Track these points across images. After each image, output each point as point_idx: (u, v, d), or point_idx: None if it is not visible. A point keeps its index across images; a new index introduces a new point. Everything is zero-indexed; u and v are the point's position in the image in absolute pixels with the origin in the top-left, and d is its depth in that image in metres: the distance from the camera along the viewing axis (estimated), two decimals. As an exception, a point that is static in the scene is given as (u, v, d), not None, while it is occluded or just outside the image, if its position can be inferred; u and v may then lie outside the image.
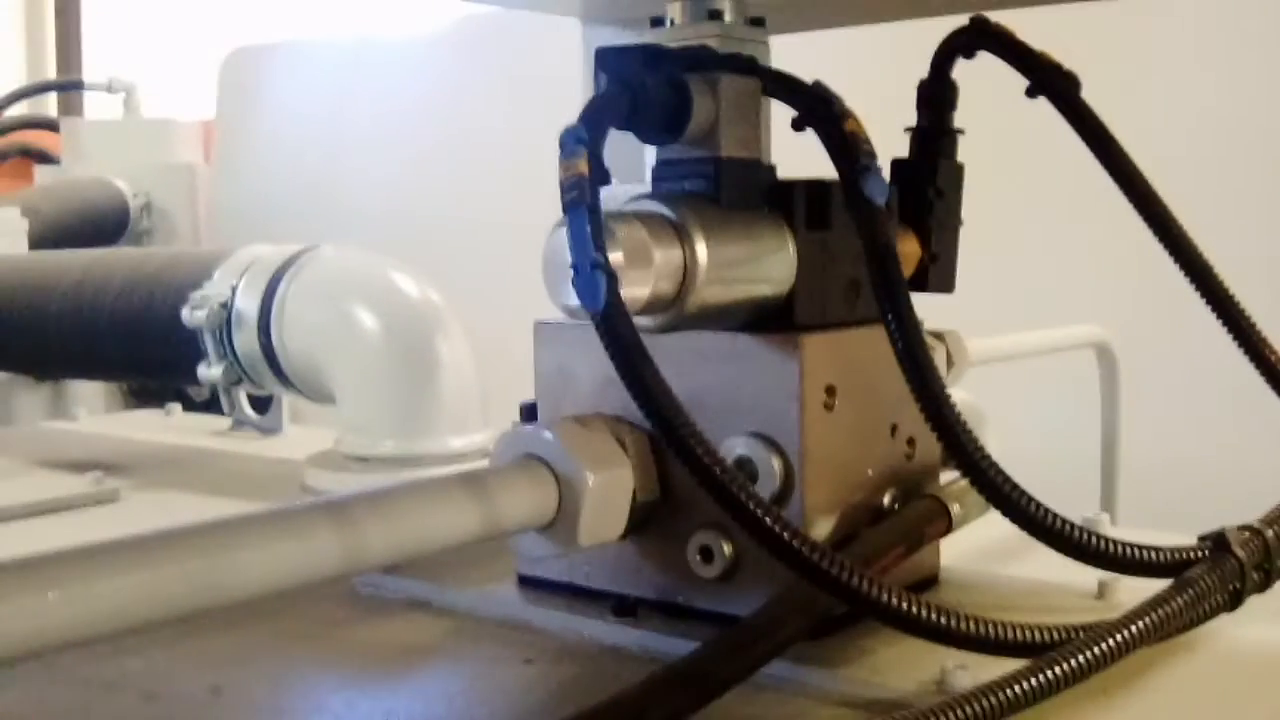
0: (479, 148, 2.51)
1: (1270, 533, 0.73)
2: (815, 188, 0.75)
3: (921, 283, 0.85)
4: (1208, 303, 0.82)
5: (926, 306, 0.79)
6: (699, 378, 0.76)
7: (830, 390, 0.75)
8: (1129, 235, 0.86)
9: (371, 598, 0.87)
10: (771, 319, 0.74)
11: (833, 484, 0.76)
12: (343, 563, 0.61)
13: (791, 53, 0.91)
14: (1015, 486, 0.67)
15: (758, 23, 0.81)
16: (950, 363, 0.93)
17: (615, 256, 0.63)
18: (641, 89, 0.68)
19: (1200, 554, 0.72)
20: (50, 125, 3.37)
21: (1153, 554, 0.70)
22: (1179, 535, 0.78)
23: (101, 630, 0.52)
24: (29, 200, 2.55)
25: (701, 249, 0.69)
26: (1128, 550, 0.69)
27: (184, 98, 3.46)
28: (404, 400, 1.17)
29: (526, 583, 0.85)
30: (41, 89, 3.96)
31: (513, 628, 0.81)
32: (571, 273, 0.60)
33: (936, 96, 0.86)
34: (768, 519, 0.59)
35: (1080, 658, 0.60)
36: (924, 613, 0.62)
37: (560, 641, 0.78)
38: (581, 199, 0.60)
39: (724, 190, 0.72)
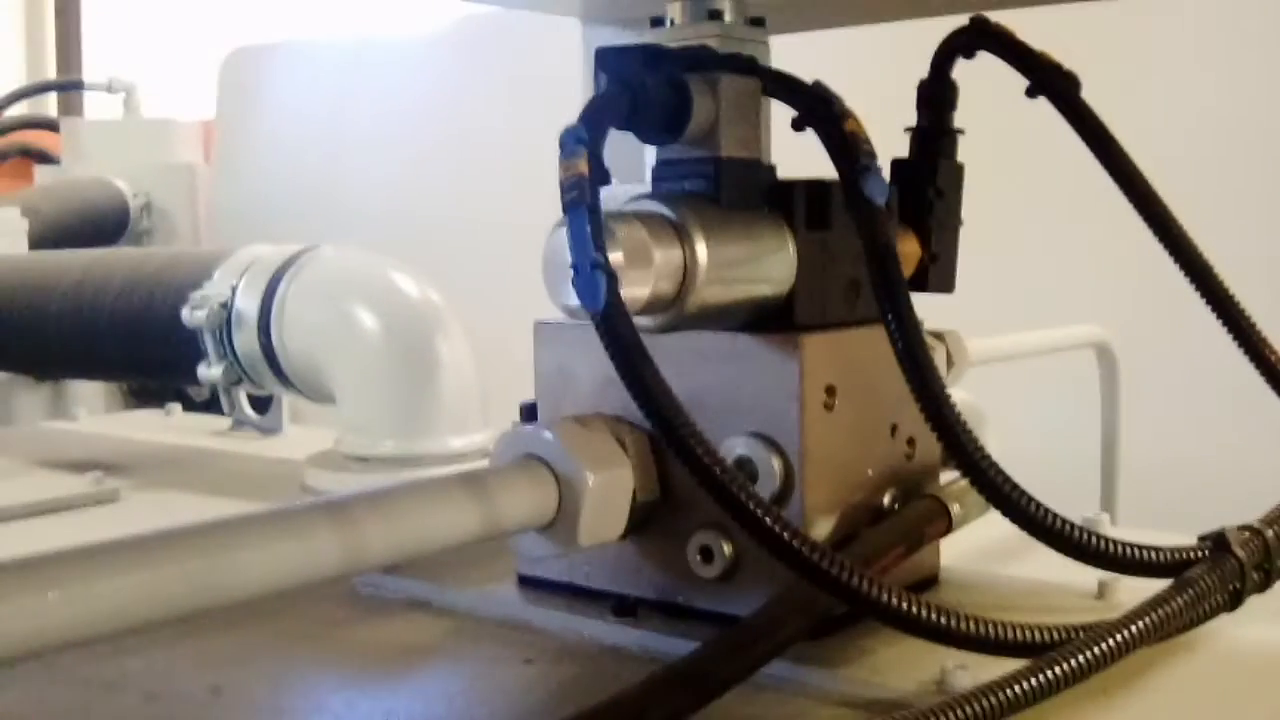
0: (479, 147, 2.51)
1: (1270, 533, 0.73)
2: (815, 188, 0.75)
3: (921, 283, 0.85)
4: (1208, 303, 0.82)
5: (926, 306, 0.79)
6: (699, 378, 0.76)
7: (830, 390, 0.75)
8: (1129, 235, 0.86)
9: (372, 597, 0.87)
10: (771, 319, 0.74)
11: (833, 484, 0.76)
12: (343, 563, 0.61)
13: (792, 53, 0.91)
14: (1015, 486, 0.67)
15: (758, 23, 0.81)
16: (950, 363, 0.93)
17: (615, 256, 0.63)
18: (641, 89, 0.68)
19: (1200, 554, 0.72)
20: (50, 125, 3.37)
21: (1153, 554, 0.70)
22: (1179, 535, 0.78)
23: (102, 630, 0.52)
24: (29, 200, 2.55)
25: (701, 249, 0.69)
26: (1128, 550, 0.69)
27: (184, 98, 3.46)
28: (404, 400, 1.17)
29: (526, 583, 0.85)
30: (41, 89, 3.96)
31: (513, 628, 0.81)
32: (571, 273, 0.60)
33: (936, 96, 0.86)
34: (768, 519, 0.59)
35: (1080, 658, 0.60)
36: (924, 613, 0.62)
37: (560, 641, 0.78)
38: (581, 199, 0.60)
39: (724, 190, 0.72)
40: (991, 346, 1.17)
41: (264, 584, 0.59)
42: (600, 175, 0.61)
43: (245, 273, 1.23)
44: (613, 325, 0.59)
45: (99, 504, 1.18)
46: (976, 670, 0.65)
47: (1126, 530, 0.90)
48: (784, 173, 0.77)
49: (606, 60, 0.70)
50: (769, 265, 0.73)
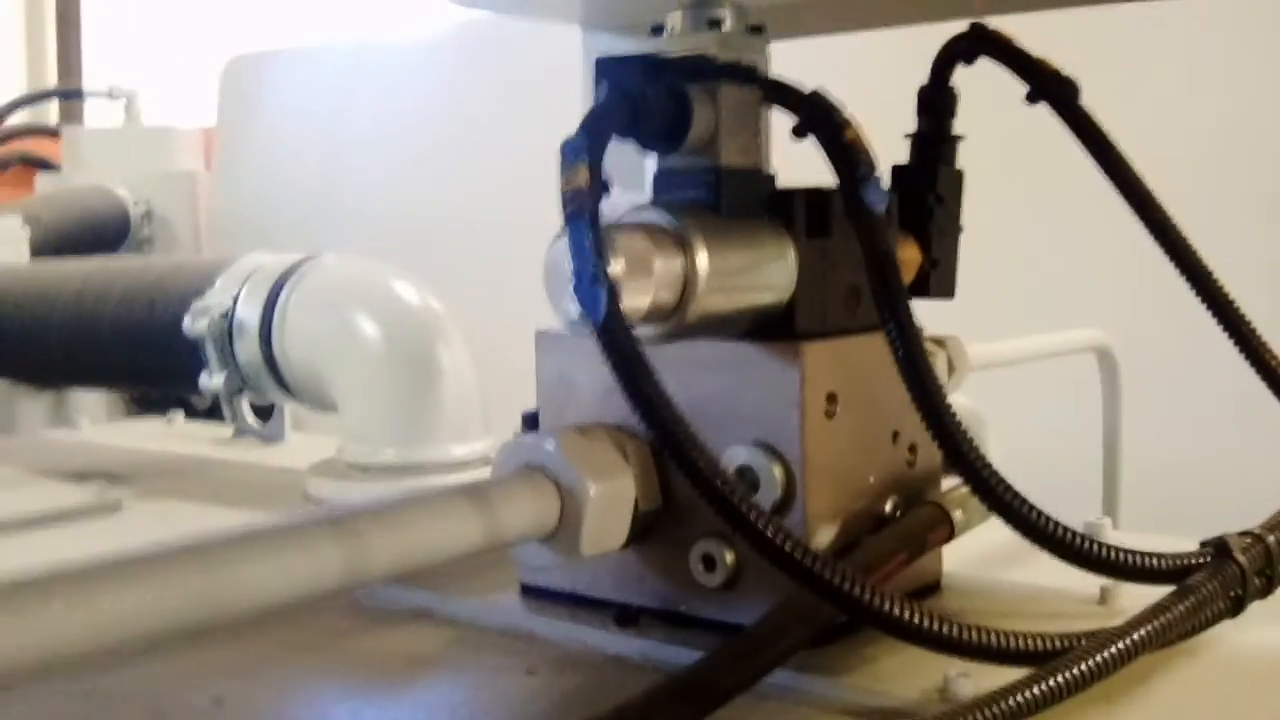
0: (479, 152, 2.51)
1: (1272, 539, 0.73)
2: (815, 196, 0.75)
3: (922, 289, 0.85)
4: (1208, 308, 0.82)
5: (927, 310, 0.79)
6: (700, 386, 0.76)
7: (831, 398, 0.75)
8: (1129, 239, 0.86)
9: (374, 608, 0.87)
10: (772, 327, 0.74)
11: (834, 492, 0.76)
12: (346, 577, 0.61)
13: (792, 57, 0.91)
14: (1016, 494, 0.67)
15: (757, 30, 0.81)
16: (951, 368, 0.93)
17: (616, 267, 0.63)
18: (642, 99, 0.68)
19: (1202, 560, 0.72)
20: (51, 133, 3.37)
21: (1154, 561, 0.71)
22: (1181, 539, 0.78)
23: (106, 646, 0.53)
24: (30, 208, 2.55)
25: (702, 258, 0.69)
26: (1129, 557, 0.69)
27: (184, 105, 3.46)
28: (405, 408, 1.17)
29: (529, 592, 0.85)
30: (42, 97, 3.96)
31: (515, 637, 0.81)
32: (572, 284, 0.60)
33: (936, 103, 0.86)
34: (769, 530, 0.59)
35: (1082, 666, 0.60)
36: (926, 622, 0.62)
37: (563, 651, 0.78)
38: (582, 211, 0.60)
39: (724, 199, 0.72)
40: (992, 351, 1.17)
41: (268, 598, 0.59)
42: (601, 187, 0.61)
43: (246, 282, 1.23)
44: (613, 337, 0.59)
45: (102, 514, 1.18)
46: (979, 678, 0.65)
47: (1129, 534, 0.90)
48: (785, 176, 0.77)
49: (606, 70, 0.71)
50: (769, 273, 0.73)
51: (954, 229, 0.86)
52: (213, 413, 1.43)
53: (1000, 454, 1.15)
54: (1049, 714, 0.60)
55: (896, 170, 0.85)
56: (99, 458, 1.47)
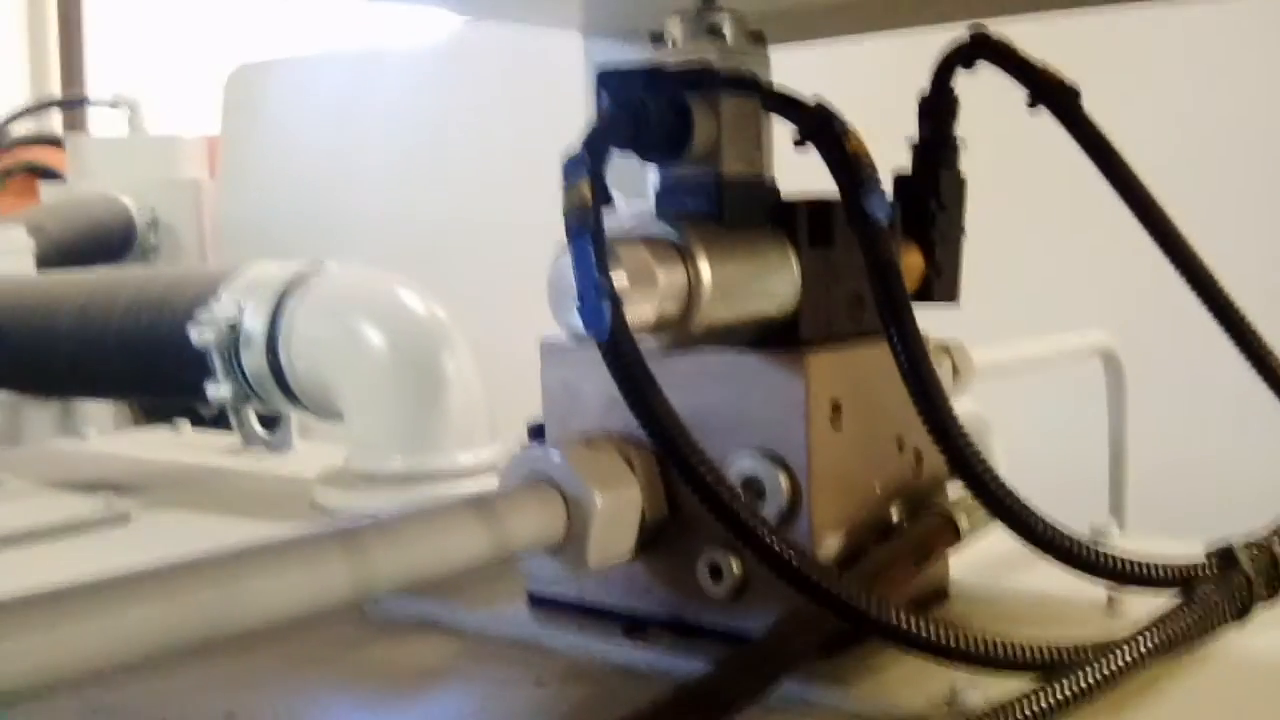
0: (483, 159, 2.51)
1: (1277, 544, 0.73)
2: (818, 205, 0.75)
3: (926, 295, 0.85)
4: (1211, 312, 0.82)
5: (931, 314, 0.79)
6: (705, 396, 0.76)
7: (836, 406, 0.75)
8: (1132, 242, 0.86)
9: (382, 618, 0.88)
10: (776, 336, 0.75)
11: (840, 500, 0.76)
12: (354, 590, 0.62)
13: (794, 63, 0.91)
14: (1021, 502, 0.67)
15: (758, 39, 0.81)
16: (956, 374, 0.93)
17: (619, 279, 0.63)
18: (643, 111, 0.68)
19: (1207, 568, 0.72)
20: (55, 142, 3.39)
21: (1159, 568, 0.71)
22: (1187, 543, 0.78)
23: (116, 663, 0.53)
24: (34, 219, 2.56)
25: (705, 269, 0.69)
26: (1134, 565, 0.69)
27: (189, 114, 3.47)
28: (411, 417, 1.18)
29: (536, 602, 0.85)
30: (46, 106, 3.97)
31: (523, 648, 0.81)
32: (576, 298, 0.60)
33: (937, 108, 0.86)
34: (774, 542, 0.59)
35: (1090, 676, 0.60)
36: (932, 632, 0.62)
37: (571, 661, 0.78)
38: (585, 225, 0.60)
39: (726, 209, 0.72)
40: (997, 356, 1.17)
41: (277, 612, 0.59)
42: (604, 201, 0.61)
43: (252, 292, 1.24)
44: (618, 352, 0.60)
45: (111, 525, 1.18)
46: (987, 688, 0.65)
47: (1135, 538, 0.91)
48: (787, 180, 0.77)
49: (607, 81, 0.71)
50: (773, 283, 0.73)
51: (957, 234, 0.86)
52: (219, 422, 1.44)
53: (1006, 458, 1.16)
54: (1056, 723, 0.60)
55: (898, 176, 0.85)
56: (106, 468, 1.47)
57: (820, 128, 0.72)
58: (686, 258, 0.69)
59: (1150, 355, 1.52)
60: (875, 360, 0.75)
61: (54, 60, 4.47)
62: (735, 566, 0.75)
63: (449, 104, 2.60)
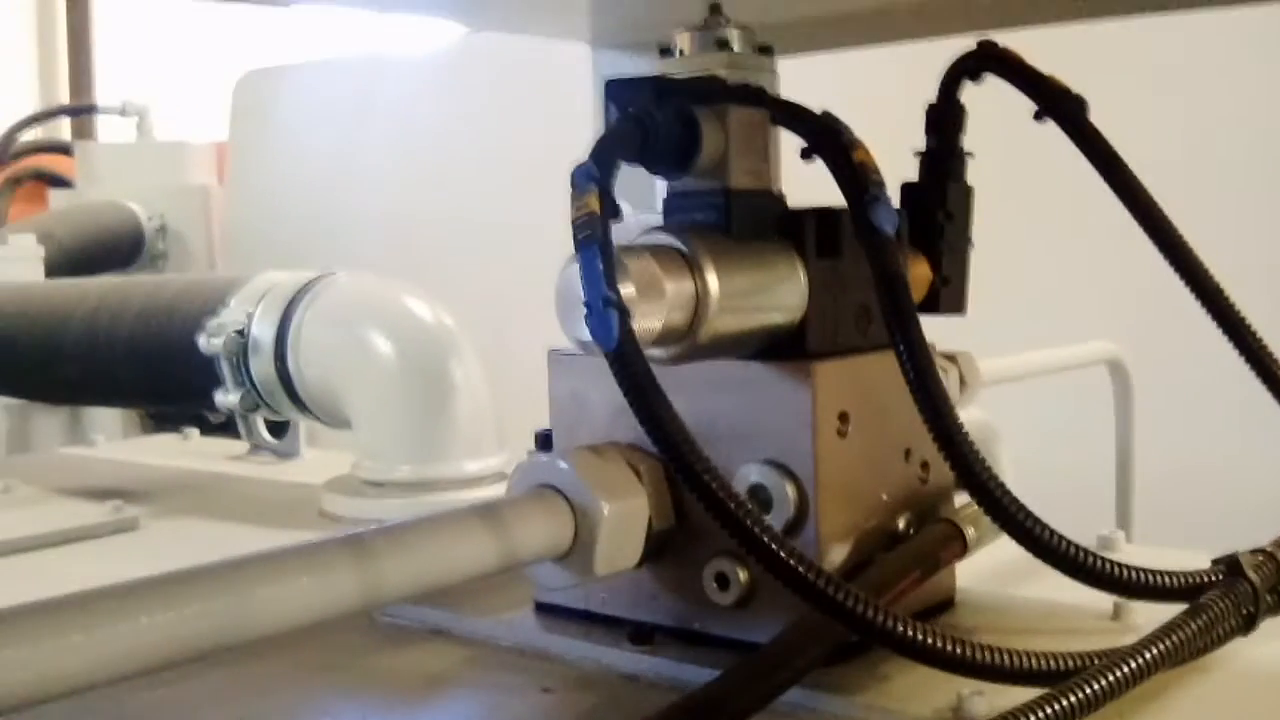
0: (490, 164, 2.52)
1: (1284, 554, 0.73)
2: (825, 216, 0.75)
3: (933, 305, 0.85)
4: (1217, 322, 0.82)
5: (938, 323, 0.79)
6: (712, 406, 0.76)
7: (843, 416, 0.75)
8: (1139, 252, 0.87)
9: (390, 626, 0.88)
10: (784, 347, 0.75)
11: (847, 510, 0.76)
12: (363, 598, 0.62)
13: (800, 71, 0.91)
14: (1028, 512, 0.67)
15: (766, 51, 0.82)
16: (963, 384, 0.93)
17: (627, 290, 0.64)
18: (651, 123, 0.68)
19: (1213, 578, 0.72)
20: (64, 149, 3.40)
21: (1166, 579, 0.71)
22: (1194, 553, 0.78)
23: (127, 671, 0.53)
24: (44, 226, 2.57)
25: (713, 280, 0.69)
26: (1141, 575, 0.70)
27: (197, 120, 3.48)
28: (419, 425, 1.18)
29: (544, 610, 0.85)
30: (55, 114, 3.99)
31: (530, 655, 0.81)
32: (584, 309, 0.61)
33: (945, 120, 0.86)
34: (781, 551, 0.60)
35: (1095, 685, 0.60)
36: (938, 643, 0.62)
37: (578, 669, 0.78)
38: (594, 237, 0.61)
39: (734, 221, 0.72)
40: (1004, 366, 1.17)
41: (287, 620, 0.60)
42: (612, 212, 0.62)
43: (261, 300, 1.24)
44: (626, 362, 0.60)
45: (119, 532, 1.19)
46: (993, 697, 0.65)
47: (1142, 548, 0.91)
48: (794, 187, 0.78)
49: (616, 93, 0.71)
50: (780, 294, 0.74)
51: (964, 245, 0.86)
52: (228, 428, 1.44)
53: (1013, 467, 1.16)
54: (1062, 732, 0.60)
55: (906, 187, 0.85)
56: (115, 475, 1.48)
57: (827, 139, 0.72)
58: (694, 269, 0.69)
59: (1156, 364, 1.52)
60: (882, 371, 0.75)
61: (63, 67, 4.49)
62: (742, 575, 0.75)
63: (456, 109, 2.60)
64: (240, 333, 1.23)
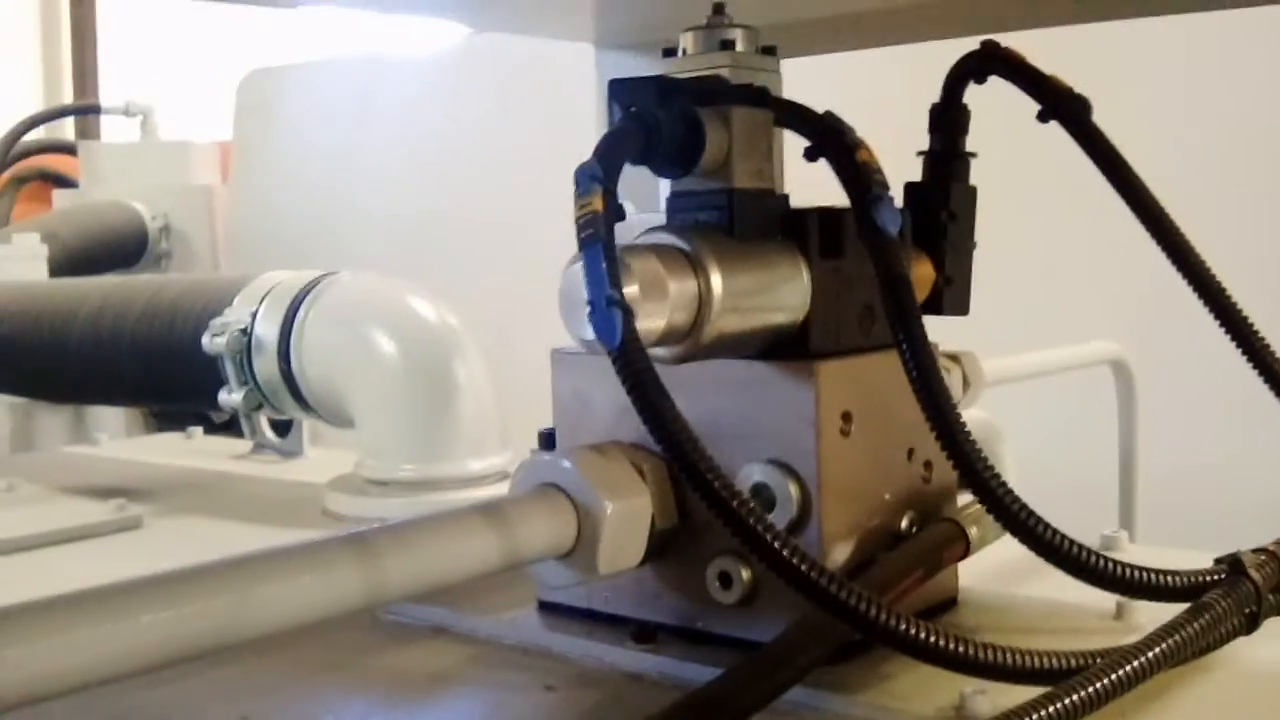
0: (494, 163, 2.52)
1: (1287, 554, 0.73)
2: (828, 216, 0.75)
3: (936, 306, 0.85)
4: (1220, 323, 0.82)
5: (942, 323, 0.79)
6: (715, 406, 0.76)
7: (846, 416, 0.76)
8: (1142, 251, 0.87)
9: (393, 624, 0.88)
10: (787, 346, 0.75)
11: (850, 509, 0.76)
12: (366, 597, 0.62)
13: (804, 72, 0.91)
14: (1030, 512, 0.67)
15: (770, 52, 0.82)
16: (966, 384, 0.93)
17: (631, 290, 0.64)
18: (655, 124, 0.69)
19: (1216, 577, 0.72)
20: (68, 149, 3.40)
21: (1168, 578, 0.71)
22: (1197, 553, 0.78)
23: (131, 669, 0.53)
24: (48, 225, 2.58)
25: (716, 280, 0.69)
26: (1143, 575, 0.70)
27: (201, 120, 3.48)
28: (423, 424, 1.18)
29: (546, 609, 0.86)
30: (59, 114, 3.99)
31: (533, 654, 0.81)
32: (588, 308, 0.61)
33: (948, 120, 0.86)
34: (784, 550, 0.60)
35: (1098, 684, 0.61)
36: (941, 641, 0.62)
37: (581, 668, 0.79)
38: (597, 236, 0.61)
39: (737, 221, 0.72)
40: (1007, 366, 1.17)
41: (290, 618, 0.60)
42: (615, 212, 0.62)
43: (264, 299, 1.24)
44: (629, 361, 0.60)
45: (122, 531, 1.19)
46: (995, 696, 0.65)
47: (1144, 548, 0.91)
48: (796, 186, 0.78)
49: (620, 93, 0.71)
50: (783, 294, 0.74)
51: (967, 246, 0.86)
52: (231, 427, 1.44)
53: (1016, 467, 1.16)
54: (1065, 731, 0.60)
55: (909, 188, 0.85)
56: (119, 474, 1.48)
57: (831, 140, 0.72)
58: (698, 268, 0.69)
59: (1159, 365, 1.52)
60: (885, 370, 0.75)
61: (67, 67, 4.49)
62: (745, 574, 0.75)
63: (460, 109, 2.60)
64: (244, 332, 1.23)
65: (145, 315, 1.33)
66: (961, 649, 0.62)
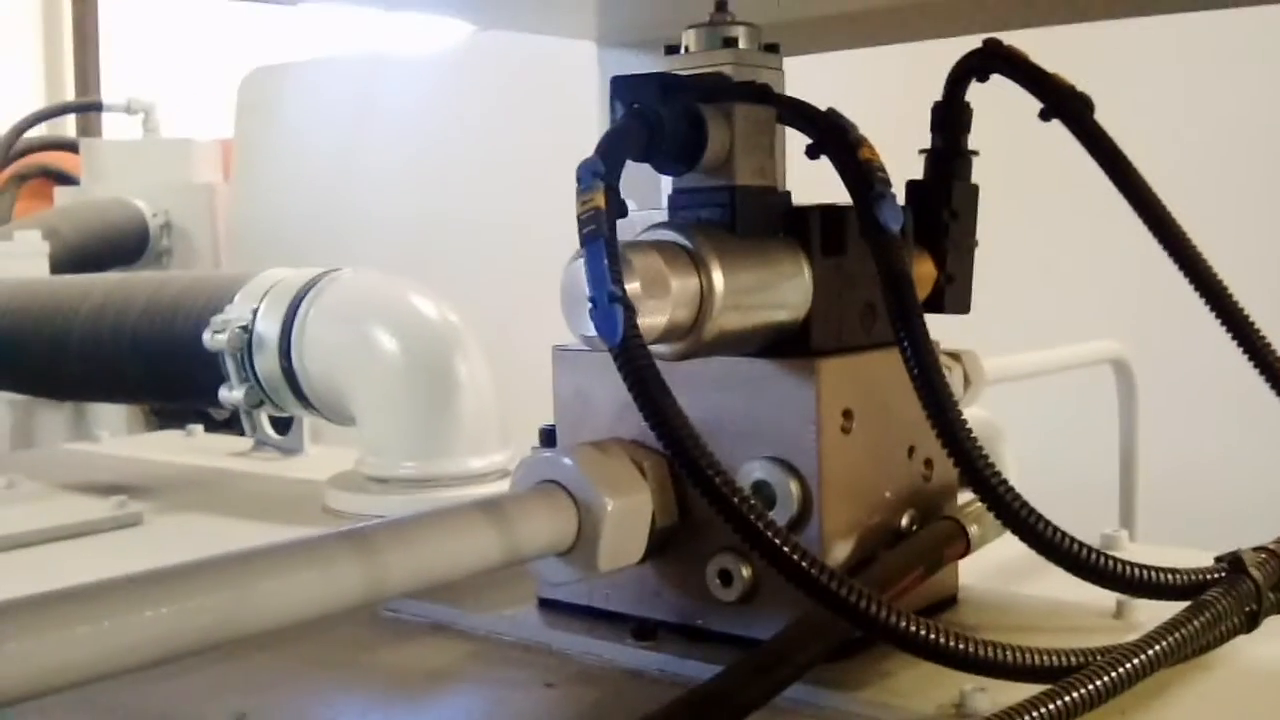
0: (495, 162, 2.52)
1: (1288, 552, 0.73)
2: (830, 214, 0.75)
3: (937, 304, 0.85)
4: (1222, 322, 0.82)
5: (943, 321, 0.79)
6: (717, 403, 0.76)
7: (847, 414, 0.76)
8: (1144, 250, 0.87)
9: (393, 621, 0.88)
10: (788, 344, 0.75)
11: (851, 507, 0.76)
12: (366, 592, 0.62)
13: (806, 70, 0.91)
14: (1031, 510, 0.67)
15: (772, 49, 0.82)
16: (967, 382, 0.93)
17: (632, 286, 0.64)
18: (657, 121, 0.69)
19: (1216, 576, 0.72)
20: (70, 146, 3.40)
21: (1168, 576, 0.71)
22: (1197, 552, 0.78)
23: (131, 664, 0.53)
24: (49, 222, 2.58)
25: (718, 277, 0.69)
26: (1144, 573, 0.70)
27: (202, 117, 3.48)
28: (423, 421, 1.18)
29: (546, 606, 0.86)
30: (61, 110, 3.99)
31: (533, 651, 0.81)
32: (589, 305, 0.61)
33: (950, 119, 0.86)
34: (785, 547, 0.60)
35: (1098, 682, 0.61)
36: (941, 639, 0.62)
37: (580, 665, 0.79)
38: (599, 233, 0.61)
39: (739, 218, 0.72)
40: (1008, 365, 1.17)
41: (290, 614, 0.60)
42: (617, 208, 0.62)
43: (266, 296, 1.24)
44: (630, 358, 0.60)
45: (122, 528, 1.19)
46: (995, 693, 0.65)
47: (1145, 547, 0.91)
48: (798, 185, 0.78)
49: (622, 90, 0.71)
50: (785, 291, 0.74)
51: (969, 244, 0.86)
52: (232, 425, 1.44)
53: (1017, 465, 1.16)
54: (1065, 729, 0.60)
55: (911, 186, 0.85)
56: (119, 471, 1.48)
57: (833, 137, 0.72)
58: (699, 265, 0.69)
59: (1160, 363, 1.52)
60: (886, 368, 0.75)
61: (68, 64, 4.50)
62: (745, 572, 0.75)
63: (462, 107, 2.60)
64: (245, 329, 1.23)
65: (146, 312, 1.33)
66: (962, 646, 0.63)
